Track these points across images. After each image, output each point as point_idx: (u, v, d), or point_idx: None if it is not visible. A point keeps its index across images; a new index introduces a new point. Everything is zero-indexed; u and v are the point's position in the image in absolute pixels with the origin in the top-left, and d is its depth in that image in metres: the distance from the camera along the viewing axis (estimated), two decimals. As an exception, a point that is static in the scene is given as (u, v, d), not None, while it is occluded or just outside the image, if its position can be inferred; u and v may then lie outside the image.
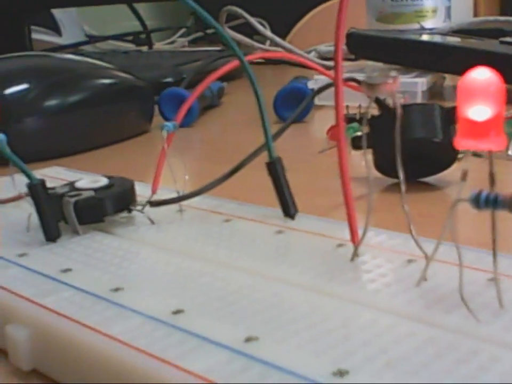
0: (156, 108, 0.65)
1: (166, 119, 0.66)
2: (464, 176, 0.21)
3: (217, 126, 0.68)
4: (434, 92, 0.78)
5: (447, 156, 0.42)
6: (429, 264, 0.23)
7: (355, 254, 0.25)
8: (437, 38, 0.78)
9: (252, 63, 0.31)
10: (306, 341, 0.20)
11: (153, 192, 0.32)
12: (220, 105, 0.76)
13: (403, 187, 0.24)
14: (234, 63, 0.31)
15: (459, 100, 0.20)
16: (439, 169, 0.43)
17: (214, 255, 0.27)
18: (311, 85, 0.73)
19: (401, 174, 0.24)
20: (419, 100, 0.70)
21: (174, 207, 0.32)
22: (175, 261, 0.26)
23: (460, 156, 0.48)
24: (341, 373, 0.18)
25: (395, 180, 0.43)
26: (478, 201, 0.19)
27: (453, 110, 0.44)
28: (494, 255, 0.21)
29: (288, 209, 0.30)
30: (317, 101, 0.73)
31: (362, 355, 0.19)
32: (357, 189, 0.43)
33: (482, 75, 0.20)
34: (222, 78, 0.81)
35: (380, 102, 0.42)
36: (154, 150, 0.53)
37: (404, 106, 0.42)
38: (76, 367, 0.21)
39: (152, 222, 0.30)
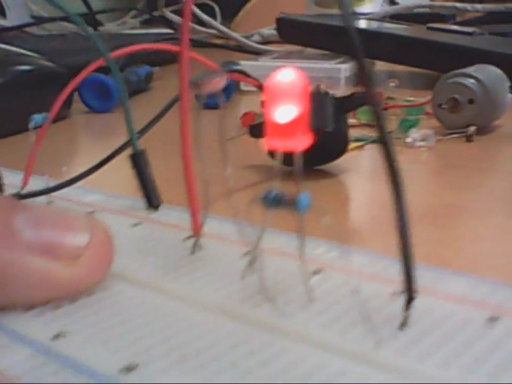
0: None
1: (87, 105, 0.66)
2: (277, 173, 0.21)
3: (140, 111, 0.68)
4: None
5: (339, 145, 0.43)
6: (257, 257, 0.23)
7: (195, 247, 0.26)
8: (366, 24, 0.79)
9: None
10: (108, 336, 0.20)
11: (24, 184, 0.33)
12: (148, 90, 0.77)
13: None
14: (98, 62, 0.31)
15: (265, 101, 0.21)
16: (332, 158, 0.44)
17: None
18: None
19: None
20: (342, 86, 0.70)
21: (45, 198, 0.32)
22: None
23: (353, 145, 0.49)
24: (128, 369, 0.19)
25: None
26: (267, 200, 0.20)
27: (345, 99, 0.45)
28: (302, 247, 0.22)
29: (151, 201, 0.31)
30: (243, 86, 0.73)
31: (158, 350, 0.20)
32: (251, 176, 0.44)
33: (286, 77, 0.20)
34: (153, 62, 0.81)
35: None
36: (69, 137, 0.53)
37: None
38: None
39: (17, 215, 0.31)
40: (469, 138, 0.50)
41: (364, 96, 0.49)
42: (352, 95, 0.45)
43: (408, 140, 0.49)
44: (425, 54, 0.70)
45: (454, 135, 0.50)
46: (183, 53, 0.25)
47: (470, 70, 0.51)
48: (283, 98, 0.21)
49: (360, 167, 0.46)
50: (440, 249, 0.31)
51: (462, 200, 0.38)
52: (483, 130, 0.51)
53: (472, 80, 0.50)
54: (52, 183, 0.33)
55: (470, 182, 0.41)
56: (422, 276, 0.23)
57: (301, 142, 0.21)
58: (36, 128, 0.32)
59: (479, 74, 0.50)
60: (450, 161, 0.46)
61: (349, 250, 0.26)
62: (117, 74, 0.29)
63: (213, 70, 0.24)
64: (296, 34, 0.78)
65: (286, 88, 0.21)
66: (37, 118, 0.31)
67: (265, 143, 0.21)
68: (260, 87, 0.40)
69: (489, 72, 0.52)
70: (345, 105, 0.43)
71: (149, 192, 0.31)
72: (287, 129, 0.21)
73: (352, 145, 0.50)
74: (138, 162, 0.30)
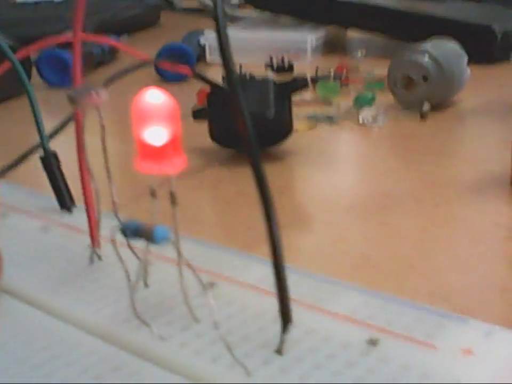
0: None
1: (46, 80, 0.65)
2: (153, 194, 0.21)
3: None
4: (335, 44, 0.77)
5: (282, 131, 0.42)
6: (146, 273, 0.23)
7: (92, 258, 0.25)
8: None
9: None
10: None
11: None
12: (113, 62, 0.75)
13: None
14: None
15: (134, 123, 0.20)
16: (275, 141, 0.43)
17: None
18: (203, 40, 0.72)
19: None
20: (309, 56, 0.69)
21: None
22: None
23: (304, 124, 0.48)
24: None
25: (231, 151, 0.43)
26: (125, 231, 0.19)
27: (287, 84, 0.43)
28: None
29: (64, 203, 0.30)
30: (208, 57, 0.72)
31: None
32: (193, 161, 0.43)
33: (155, 98, 0.19)
34: (121, 30, 0.80)
35: (206, 80, 0.41)
36: (24, 116, 0.52)
37: (243, 81, 0.42)
38: None
39: None
40: (422, 116, 0.48)
41: (305, 81, 0.48)
42: (294, 79, 0.44)
43: (360, 119, 0.48)
44: (395, 23, 0.69)
45: (408, 111, 0.49)
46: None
47: (425, 45, 0.50)
48: (153, 120, 0.20)
49: (307, 150, 0.45)
50: (362, 247, 0.30)
51: (398, 189, 0.37)
52: (438, 107, 0.50)
53: (426, 58, 0.49)
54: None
55: (414, 168, 0.40)
56: (317, 290, 0.23)
57: (175, 166, 0.20)
58: None
59: (434, 50, 0.49)
60: (400, 143, 0.45)
61: (250, 259, 0.25)
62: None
63: (91, 84, 0.23)
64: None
65: (156, 110, 0.19)
66: None
67: (138, 167, 0.20)
68: (194, 76, 0.39)
69: (446, 48, 0.50)
70: (287, 89, 0.42)
71: (61, 194, 0.30)
72: (161, 152, 0.20)
73: (304, 124, 0.49)
74: (49, 164, 0.30)
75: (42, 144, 0.30)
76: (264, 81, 0.42)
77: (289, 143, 0.43)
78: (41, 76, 0.64)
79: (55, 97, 0.62)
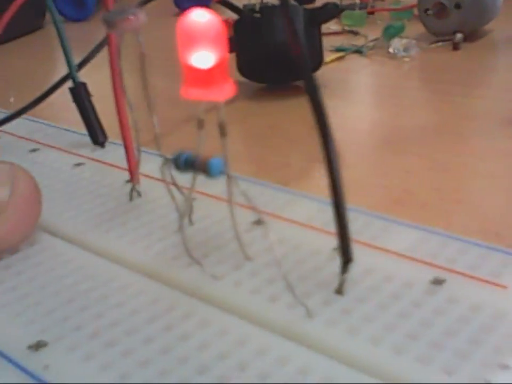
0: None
1: (62, 14, 0.63)
2: (200, 125, 0.19)
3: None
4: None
5: (312, 60, 0.41)
6: (186, 211, 0.22)
7: (132, 194, 0.24)
8: None
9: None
10: (22, 308, 0.19)
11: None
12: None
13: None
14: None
15: (180, 46, 0.18)
16: (306, 73, 0.41)
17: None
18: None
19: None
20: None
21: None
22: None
23: (332, 56, 0.46)
24: (37, 347, 0.17)
25: (261, 85, 0.42)
26: (178, 163, 0.18)
27: (317, 11, 0.41)
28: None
29: (96, 137, 0.29)
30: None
31: (70, 324, 0.18)
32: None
33: (202, 18, 0.18)
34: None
35: (234, 7, 0.39)
36: (44, 50, 0.51)
37: (267, 9, 0.40)
38: None
39: (-45, 154, 0.29)
40: (455, 46, 0.47)
41: (337, 7, 0.46)
42: (325, 5, 0.42)
43: (391, 49, 0.46)
44: None
45: (440, 44, 0.47)
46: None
47: (458, -29, 0.48)
48: (199, 42, 0.18)
49: (336, 83, 0.43)
50: (403, 181, 0.29)
51: (435, 122, 0.35)
52: (471, 36, 0.48)
53: (459, -17, 0.47)
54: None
55: (449, 100, 0.38)
56: (369, 227, 0.22)
57: (223, 92, 0.18)
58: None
59: (467, -24, 0.47)
60: (433, 74, 0.43)
61: (295, 195, 0.24)
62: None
63: (128, 6, 0.21)
64: None
65: (202, 31, 0.18)
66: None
67: (183, 93, 0.19)
68: (221, 2, 0.38)
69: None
70: (318, 17, 0.41)
71: (93, 128, 0.29)
72: (207, 77, 0.18)
73: (332, 56, 0.47)
74: (79, 96, 0.28)
75: (72, 75, 0.28)
76: (292, 8, 0.40)
77: (318, 75, 0.42)
78: (58, 10, 0.62)
79: (72, 32, 0.60)
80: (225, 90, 0.18)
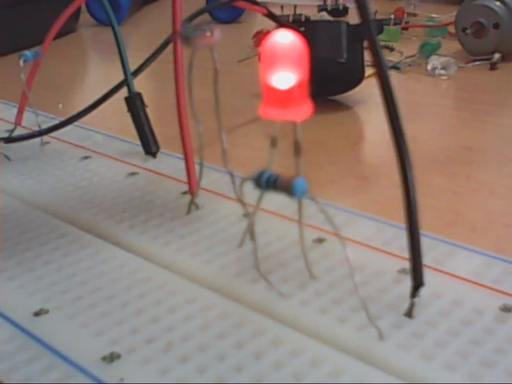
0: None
1: (95, 18, 0.63)
2: (273, 143, 0.19)
3: (151, 26, 0.65)
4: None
5: (354, 75, 0.41)
6: (252, 227, 0.22)
7: (191, 207, 0.24)
8: None
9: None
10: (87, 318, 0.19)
11: (17, 124, 0.31)
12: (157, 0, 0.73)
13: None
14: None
15: (262, 66, 0.19)
16: (346, 88, 0.42)
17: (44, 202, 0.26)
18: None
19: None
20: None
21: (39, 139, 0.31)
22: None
23: (370, 71, 0.46)
24: (111, 358, 0.17)
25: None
26: (259, 182, 0.18)
27: (360, 27, 0.42)
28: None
29: (149, 147, 0.29)
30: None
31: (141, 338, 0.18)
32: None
33: (285, 39, 0.18)
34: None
35: (276, 20, 0.40)
36: (78, 53, 0.50)
37: (311, 23, 0.40)
38: None
39: (9, 159, 0.29)
40: (493, 66, 0.47)
41: (380, 23, 0.46)
42: (369, 22, 0.42)
43: (429, 67, 0.46)
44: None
45: (477, 63, 0.47)
46: None
47: (497, -9, 0.48)
48: (281, 62, 0.18)
49: (376, 97, 0.43)
50: (452, 203, 0.29)
51: (479, 143, 0.36)
52: (509, 56, 0.48)
53: (498, 3, 0.47)
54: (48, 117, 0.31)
55: (491, 121, 0.39)
56: (432, 250, 0.22)
57: (300, 113, 0.19)
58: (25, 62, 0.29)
59: (507, -4, 0.47)
60: (471, 93, 0.43)
61: (355, 215, 0.24)
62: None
63: (204, 21, 0.21)
64: None
65: (285, 51, 0.18)
66: (27, 54, 0.29)
67: (260, 112, 0.19)
68: (268, 16, 0.38)
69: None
70: (361, 33, 0.41)
71: (146, 138, 0.29)
72: (285, 97, 0.19)
73: (370, 71, 0.47)
74: (134, 105, 0.28)
75: (127, 84, 0.28)
76: (335, 24, 0.41)
77: (358, 90, 0.42)
78: (90, 13, 0.63)
79: (104, 35, 0.61)
80: (303, 110, 0.18)
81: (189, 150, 0.24)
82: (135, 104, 0.28)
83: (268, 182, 0.18)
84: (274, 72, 0.18)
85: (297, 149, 0.19)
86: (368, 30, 0.19)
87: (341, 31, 0.40)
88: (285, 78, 0.18)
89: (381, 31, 0.45)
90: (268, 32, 0.54)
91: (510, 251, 0.25)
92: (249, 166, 0.32)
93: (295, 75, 0.18)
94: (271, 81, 0.18)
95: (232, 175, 0.21)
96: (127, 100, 0.29)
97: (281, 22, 0.40)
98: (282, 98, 0.18)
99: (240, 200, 0.20)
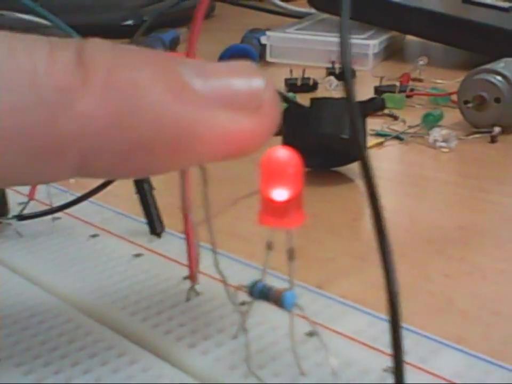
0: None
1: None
2: (269, 246, 0.21)
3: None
4: (394, 49, 0.77)
5: (355, 151, 0.42)
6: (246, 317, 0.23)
7: (190, 294, 0.26)
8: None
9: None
10: None
11: (31, 198, 0.33)
12: (173, 57, 0.75)
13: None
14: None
15: (262, 179, 0.20)
16: (349, 161, 0.43)
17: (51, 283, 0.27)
18: (264, 40, 0.72)
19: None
20: (370, 62, 0.69)
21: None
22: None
23: (373, 141, 0.48)
24: None
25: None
26: (253, 292, 0.19)
27: (364, 104, 0.43)
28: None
29: (154, 228, 0.30)
30: (268, 57, 0.72)
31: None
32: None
33: (282, 156, 0.20)
34: (178, 25, 0.80)
35: (284, 96, 0.41)
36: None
37: (316, 101, 0.42)
38: None
39: (20, 235, 0.31)
40: (493, 139, 0.48)
41: (383, 101, 0.48)
42: (372, 99, 0.44)
43: (430, 140, 0.47)
44: (457, 32, 0.68)
45: (478, 135, 0.49)
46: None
47: (498, 66, 0.49)
48: (278, 177, 0.20)
49: (377, 169, 0.45)
50: (444, 287, 0.30)
51: (476, 222, 0.37)
52: (508, 129, 0.49)
53: (499, 78, 0.48)
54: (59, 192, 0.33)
55: (489, 199, 0.40)
56: (416, 347, 0.23)
57: (294, 221, 0.20)
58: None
59: (507, 71, 0.49)
60: (471, 168, 0.44)
61: (348, 306, 0.26)
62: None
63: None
64: (326, 2, 0.75)
65: (282, 168, 0.20)
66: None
67: (259, 220, 0.20)
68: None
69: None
70: (364, 109, 0.42)
71: (152, 219, 0.30)
72: (282, 208, 0.20)
73: (373, 141, 0.49)
74: (142, 189, 0.30)
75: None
76: (339, 101, 0.42)
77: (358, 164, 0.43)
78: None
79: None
80: (297, 219, 0.20)
81: (190, 234, 0.25)
82: (143, 187, 0.30)
83: (261, 294, 0.19)
84: (272, 187, 0.20)
85: (290, 255, 0.21)
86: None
87: (344, 109, 0.41)
88: (282, 192, 0.20)
89: (382, 107, 0.46)
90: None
91: (498, 341, 0.26)
92: (253, 242, 0.33)
93: (292, 189, 0.20)
94: (271, 195, 0.20)
95: (225, 282, 0.23)
96: (136, 182, 0.30)
97: (288, 99, 0.41)
98: (279, 208, 0.20)
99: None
